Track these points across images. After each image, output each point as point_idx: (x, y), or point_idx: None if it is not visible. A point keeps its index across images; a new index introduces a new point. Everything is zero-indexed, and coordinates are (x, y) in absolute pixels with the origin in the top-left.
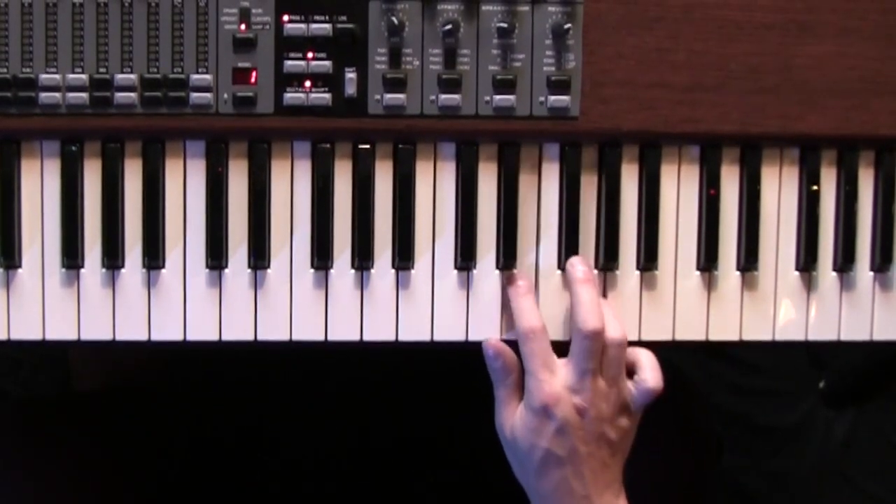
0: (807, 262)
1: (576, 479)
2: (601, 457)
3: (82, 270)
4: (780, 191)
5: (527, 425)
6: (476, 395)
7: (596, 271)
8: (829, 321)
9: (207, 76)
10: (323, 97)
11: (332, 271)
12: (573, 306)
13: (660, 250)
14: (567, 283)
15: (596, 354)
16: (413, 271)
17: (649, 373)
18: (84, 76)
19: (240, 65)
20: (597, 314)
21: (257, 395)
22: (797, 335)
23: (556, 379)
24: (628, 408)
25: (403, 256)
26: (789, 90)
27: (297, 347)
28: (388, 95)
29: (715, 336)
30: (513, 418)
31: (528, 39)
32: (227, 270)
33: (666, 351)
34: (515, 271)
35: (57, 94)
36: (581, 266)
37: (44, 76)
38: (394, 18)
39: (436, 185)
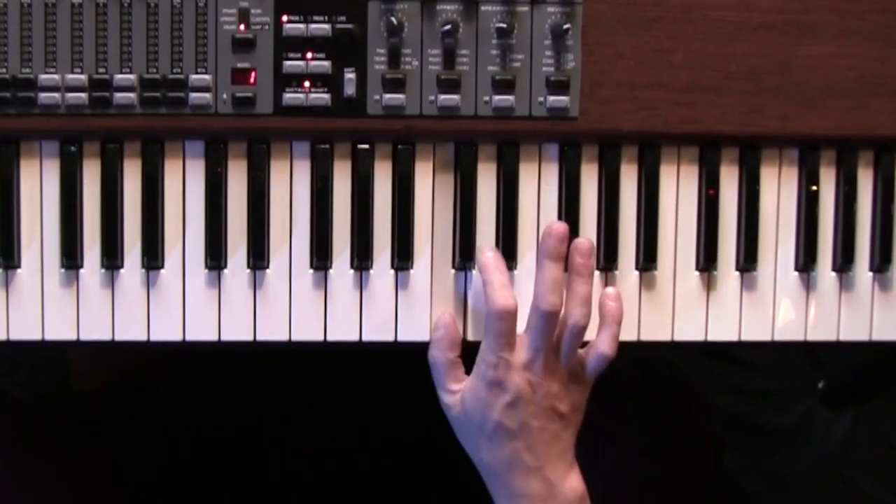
0: (806, 262)
1: (527, 452)
2: (553, 430)
3: (81, 271)
4: (779, 191)
5: (478, 397)
6: None
7: (596, 272)
8: (828, 321)
9: (206, 76)
10: (322, 97)
11: (331, 271)
12: (536, 281)
13: (659, 251)
14: (537, 255)
15: (550, 333)
16: (412, 271)
17: (603, 336)
18: (83, 76)
19: (239, 65)
20: (557, 294)
21: (257, 396)
22: (796, 335)
23: (513, 356)
24: (581, 378)
25: (402, 257)
26: (788, 90)
27: (296, 348)
28: (387, 96)
29: (714, 336)
30: (460, 393)
31: (528, 40)
32: (226, 271)
33: (665, 351)
34: (486, 246)
35: (56, 95)
36: (553, 242)
37: (43, 76)
38: (393, 19)
39: (435, 186)
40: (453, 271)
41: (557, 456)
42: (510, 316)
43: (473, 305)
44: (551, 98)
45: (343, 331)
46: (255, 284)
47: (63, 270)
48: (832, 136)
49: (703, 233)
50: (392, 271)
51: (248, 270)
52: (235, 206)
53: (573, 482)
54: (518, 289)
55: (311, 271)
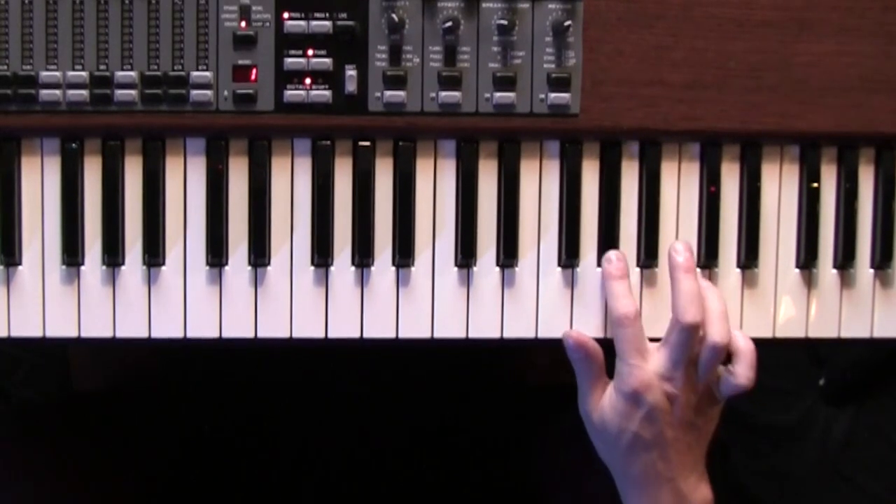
0: (807, 259)
1: (662, 462)
2: (687, 441)
3: (82, 268)
4: (780, 188)
5: (616, 409)
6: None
7: (598, 269)
8: (829, 318)
9: (208, 73)
10: (323, 94)
11: (332, 269)
12: (673, 294)
13: (660, 248)
14: (669, 268)
15: (690, 346)
16: (413, 269)
17: (743, 367)
18: (84, 73)
19: (240, 62)
20: (696, 306)
21: (258, 395)
22: (797, 332)
23: (647, 364)
24: (715, 396)
25: (404, 254)
26: (789, 88)
27: (297, 345)
28: (389, 93)
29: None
30: (600, 403)
31: (529, 37)
32: (227, 268)
33: None
34: (613, 253)
35: (57, 92)
36: (684, 252)
37: (44, 73)
38: (394, 16)
39: (436, 183)
40: (455, 268)
41: (690, 466)
42: (631, 321)
43: (474, 303)
44: (552, 95)
45: (344, 328)
46: (257, 282)
47: (64, 267)
48: (833, 134)
49: (704, 230)
50: (393, 268)
51: (250, 268)
52: (236, 203)
53: (703, 492)
54: (518, 286)
55: (313, 268)
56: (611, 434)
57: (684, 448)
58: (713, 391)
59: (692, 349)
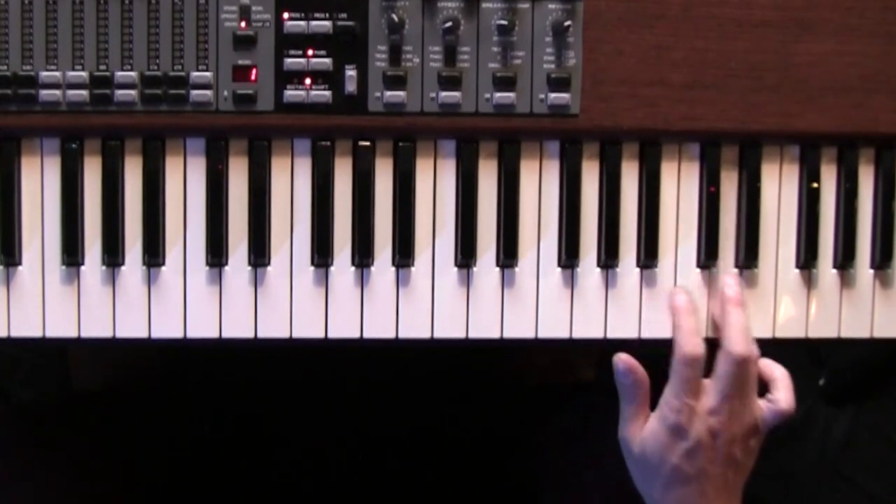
0: (807, 259)
1: (700, 497)
2: (726, 477)
3: (82, 268)
4: (780, 188)
5: (658, 440)
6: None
7: (597, 269)
8: (829, 318)
9: (208, 74)
10: (323, 94)
11: (332, 269)
12: (723, 327)
13: (660, 248)
14: (719, 301)
15: (741, 380)
16: (413, 269)
17: (783, 393)
18: (84, 74)
19: (240, 62)
20: (747, 339)
21: (258, 395)
22: (797, 332)
23: (698, 403)
24: (757, 428)
25: (404, 254)
26: (789, 88)
27: (297, 345)
28: (389, 93)
29: (715, 333)
30: (641, 432)
31: (529, 37)
32: (227, 268)
33: (667, 349)
34: (678, 287)
35: (57, 92)
36: (735, 287)
37: (44, 74)
38: (394, 16)
39: (436, 183)
40: (455, 268)
41: (726, 500)
42: (697, 363)
43: (474, 303)
44: (552, 95)
45: (344, 328)
46: (256, 282)
47: (64, 268)
48: (833, 134)
49: (704, 230)
50: (393, 269)
51: (249, 268)
52: (236, 203)
53: None
54: (518, 286)
55: (313, 268)
56: (650, 464)
57: (721, 484)
58: (757, 423)
59: (741, 383)
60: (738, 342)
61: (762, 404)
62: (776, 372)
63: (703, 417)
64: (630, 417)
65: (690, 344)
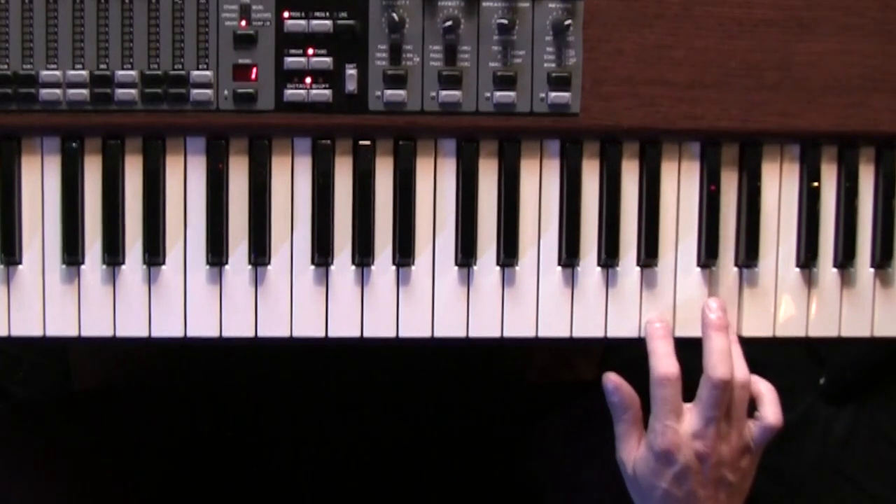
0: (807, 258)
1: None
2: (720, 498)
3: (83, 267)
4: (780, 187)
5: (648, 466)
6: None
7: (598, 268)
8: (829, 318)
9: (208, 73)
10: (323, 94)
11: (332, 268)
12: (704, 352)
13: (660, 247)
14: (702, 325)
15: (723, 403)
16: (413, 268)
17: (769, 408)
18: (84, 73)
19: (240, 61)
20: (727, 364)
21: (258, 394)
22: (797, 332)
23: (680, 425)
24: (749, 448)
25: (404, 253)
26: (789, 87)
27: (297, 345)
28: (389, 92)
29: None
30: (634, 455)
31: (529, 36)
32: (227, 267)
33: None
34: (655, 315)
35: (57, 91)
36: (717, 311)
37: (44, 73)
38: (394, 15)
39: (436, 182)
40: (455, 268)
41: None
42: (671, 383)
43: (475, 302)
44: (552, 94)
45: (344, 327)
46: (257, 281)
47: (64, 267)
48: (833, 133)
49: (705, 229)
50: (393, 268)
51: (250, 267)
52: (237, 202)
53: None
54: (518, 285)
55: (313, 268)
56: (643, 488)
57: None
58: (748, 443)
59: (724, 406)
60: (717, 367)
61: (750, 423)
62: (761, 387)
63: (688, 442)
64: (623, 436)
65: (664, 365)
